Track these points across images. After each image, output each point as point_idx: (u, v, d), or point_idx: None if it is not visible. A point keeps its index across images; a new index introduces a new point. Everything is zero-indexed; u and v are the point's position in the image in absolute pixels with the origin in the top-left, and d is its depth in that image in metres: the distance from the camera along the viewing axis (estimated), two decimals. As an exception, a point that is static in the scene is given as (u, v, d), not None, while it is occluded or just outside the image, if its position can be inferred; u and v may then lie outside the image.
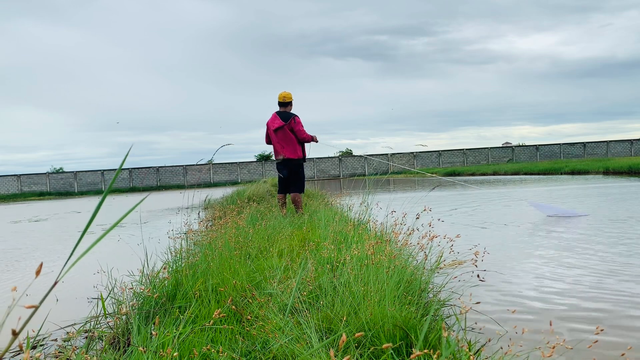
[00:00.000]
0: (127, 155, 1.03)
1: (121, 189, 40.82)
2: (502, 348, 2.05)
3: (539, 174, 25.98)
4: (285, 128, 7.18)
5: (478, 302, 2.68)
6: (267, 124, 7.42)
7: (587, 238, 5.61)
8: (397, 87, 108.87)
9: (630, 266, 4.17)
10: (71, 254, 0.86)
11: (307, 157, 7.55)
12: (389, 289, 2.49)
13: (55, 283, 0.83)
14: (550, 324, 2.12)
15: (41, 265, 0.83)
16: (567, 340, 2.17)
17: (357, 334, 1.34)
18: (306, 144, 7.53)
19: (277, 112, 7.32)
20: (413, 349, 1.79)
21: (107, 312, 3.13)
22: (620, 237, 5.59)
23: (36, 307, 0.78)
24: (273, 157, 7.93)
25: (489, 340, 2.21)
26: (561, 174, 24.26)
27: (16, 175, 41.02)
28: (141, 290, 3.01)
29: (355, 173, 41.57)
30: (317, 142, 7.48)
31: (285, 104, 7.32)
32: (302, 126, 7.26)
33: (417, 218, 3.96)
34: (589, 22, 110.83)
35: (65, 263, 0.85)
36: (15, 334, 0.74)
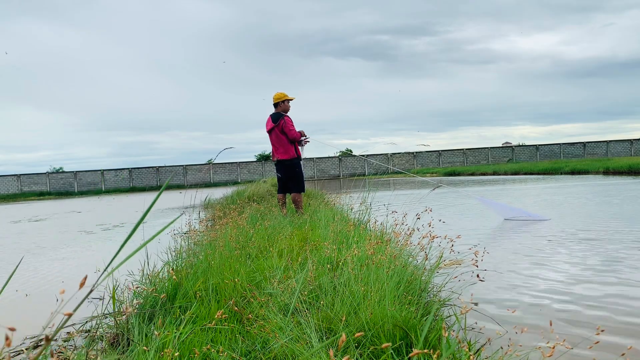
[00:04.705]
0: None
1: (121, 188, 40.82)
2: (502, 348, 2.05)
3: (539, 173, 25.97)
4: (276, 130, 7.16)
5: (477, 303, 2.68)
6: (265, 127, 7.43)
7: (583, 238, 5.61)
8: (398, 87, 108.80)
9: (629, 265, 4.17)
10: (114, 257, 0.87)
11: (302, 156, 7.49)
12: (389, 288, 2.49)
13: (91, 290, 0.83)
14: (550, 324, 2.12)
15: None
16: (567, 340, 2.17)
17: (357, 334, 1.34)
18: (304, 144, 7.47)
19: (271, 114, 7.30)
20: (413, 349, 1.79)
21: (107, 312, 3.12)
22: (611, 238, 5.59)
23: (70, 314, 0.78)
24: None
25: (489, 340, 2.21)
26: (561, 173, 24.24)
27: (16, 175, 40.99)
28: (142, 290, 3.01)
29: (355, 173, 41.55)
30: (305, 137, 7.28)
31: (275, 104, 7.30)
32: (292, 125, 7.14)
33: (418, 218, 3.96)
34: (591, 21, 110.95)
35: (105, 269, 0.85)
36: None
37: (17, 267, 1.36)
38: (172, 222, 1.10)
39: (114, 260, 0.99)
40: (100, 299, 3.41)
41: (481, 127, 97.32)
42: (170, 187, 40.02)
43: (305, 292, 2.75)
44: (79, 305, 0.98)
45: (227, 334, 2.34)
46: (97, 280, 0.87)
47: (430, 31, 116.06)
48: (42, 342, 2.94)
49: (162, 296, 2.73)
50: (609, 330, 2.68)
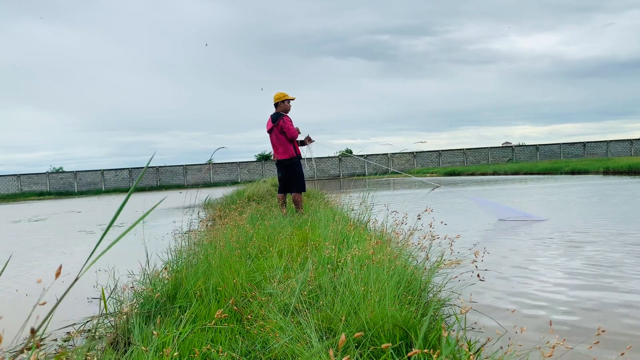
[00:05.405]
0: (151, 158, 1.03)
1: (121, 188, 40.82)
2: (502, 348, 2.05)
3: (538, 173, 25.96)
4: (275, 130, 7.15)
5: (476, 302, 2.68)
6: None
7: (581, 239, 5.61)
8: (398, 87, 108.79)
9: (627, 265, 4.17)
10: (91, 253, 0.87)
11: (309, 156, 7.46)
12: (389, 288, 2.49)
13: (76, 279, 0.83)
14: (550, 324, 2.12)
15: None
16: (567, 340, 2.17)
17: (356, 334, 1.34)
18: (308, 143, 7.46)
19: (271, 115, 7.30)
20: (413, 349, 1.79)
21: (107, 312, 3.12)
22: (612, 237, 5.59)
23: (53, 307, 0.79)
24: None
25: (489, 340, 2.21)
26: (561, 173, 24.24)
27: (16, 175, 41.00)
28: (142, 290, 3.01)
29: (355, 173, 41.55)
30: (300, 133, 7.24)
31: (276, 104, 7.29)
32: (291, 124, 7.11)
33: (419, 219, 3.96)
34: (591, 21, 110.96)
35: (86, 262, 0.86)
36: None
37: (6, 264, 1.35)
38: (146, 214, 1.08)
39: (103, 255, 0.99)
40: (101, 299, 3.41)
41: (481, 127, 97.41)
42: (170, 187, 39.99)
43: (305, 292, 2.75)
44: (62, 296, 0.98)
45: (227, 333, 2.34)
46: (81, 270, 0.88)
47: (430, 31, 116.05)
48: (42, 342, 2.94)
49: (157, 295, 2.74)
50: (608, 331, 2.67)
